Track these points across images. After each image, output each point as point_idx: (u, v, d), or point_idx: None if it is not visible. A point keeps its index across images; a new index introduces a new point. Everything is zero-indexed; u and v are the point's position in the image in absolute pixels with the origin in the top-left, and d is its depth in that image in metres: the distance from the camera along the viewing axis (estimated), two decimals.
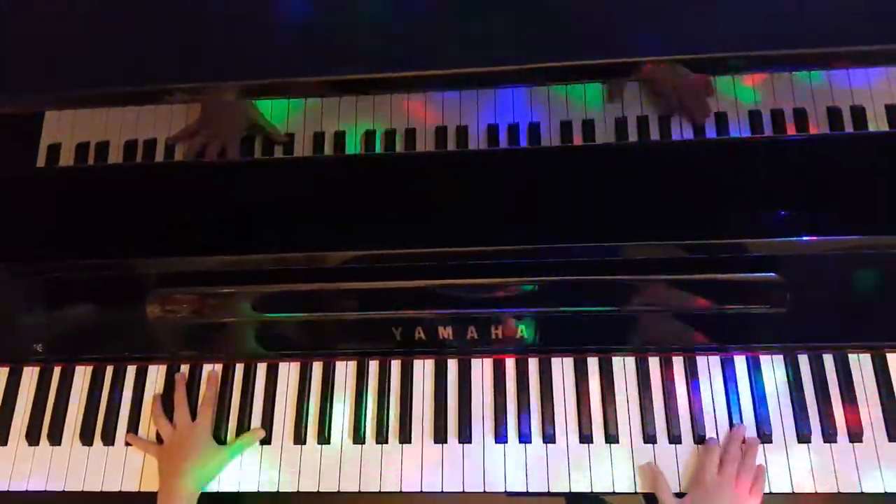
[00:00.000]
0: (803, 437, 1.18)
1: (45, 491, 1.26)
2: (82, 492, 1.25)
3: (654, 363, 1.24)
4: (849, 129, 1.26)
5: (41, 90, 1.21)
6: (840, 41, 1.06)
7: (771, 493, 1.16)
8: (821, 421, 1.18)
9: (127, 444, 1.27)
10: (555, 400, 1.23)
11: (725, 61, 1.10)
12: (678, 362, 1.24)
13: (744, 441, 1.18)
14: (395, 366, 1.27)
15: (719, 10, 1.09)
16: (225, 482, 1.23)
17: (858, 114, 1.27)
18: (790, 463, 1.17)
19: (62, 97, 1.29)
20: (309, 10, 1.14)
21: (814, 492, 1.15)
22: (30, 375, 1.33)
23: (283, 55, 1.17)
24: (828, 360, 1.22)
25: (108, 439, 1.27)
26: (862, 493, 1.15)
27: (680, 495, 1.16)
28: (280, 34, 1.13)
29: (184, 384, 1.28)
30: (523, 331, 1.23)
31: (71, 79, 1.19)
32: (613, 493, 1.18)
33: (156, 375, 1.31)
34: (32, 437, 1.28)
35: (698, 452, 1.18)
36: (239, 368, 1.30)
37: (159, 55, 1.15)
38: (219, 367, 1.30)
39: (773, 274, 1.18)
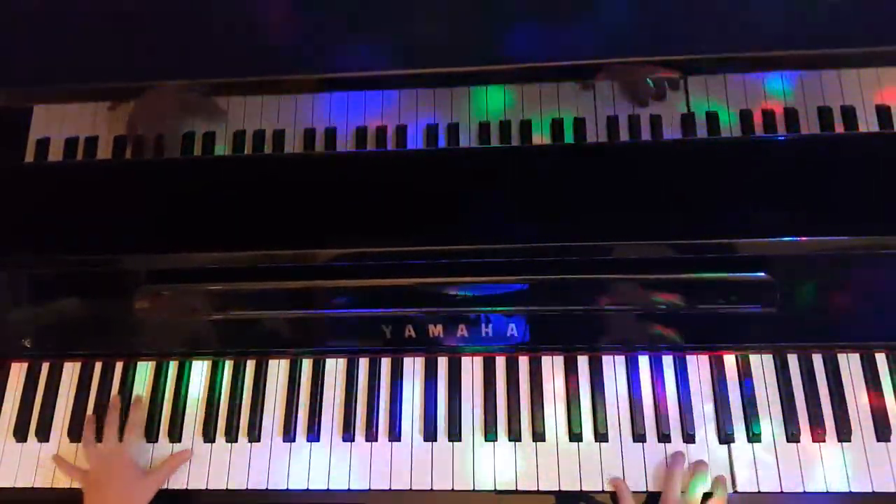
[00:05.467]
0: (792, 436, 1.18)
1: (34, 488, 1.25)
2: (70, 488, 1.24)
3: (643, 362, 1.24)
4: (839, 129, 1.26)
5: (31, 84, 1.20)
6: (828, 44, 1.07)
7: (760, 493, 1.16)
8: (810, 421, 1.19)
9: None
10: (545, 398, 1.23)
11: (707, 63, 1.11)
12: (668, 361, 1.24)
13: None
14: (385, 364, 1.27)
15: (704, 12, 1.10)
16: (213, 480, 1.22)
17: (849, 114, 1.27)
18: (779, 462, 1.17)
19: (51, 91, 1.28)
20: (305, 10, 1.14)
21: (802, 491, 1.16)
22: (18, 371, 1.32)
23: (273, 52, 1.17)
24: (817, 359, 1.22)
25: (97, 436, 1.26)
26: (850, 492, 1.15)
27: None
28: (269, 32, 1.13)
29: (118, 407, 1.25)
30: (513, 329, 1.23)
31: (60, 73, 1.18)
32: (602, 491, 1.18)
33: (145, 372, 1.30)
34: (20, 434, 1.28)
35: (664, 473, 1.17)
36: (228, 365, 1.29)
37: (150, 51, 1.15)
38: (208, 364, 1.30)
39: (763, 274, 1.18)
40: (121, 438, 1.23)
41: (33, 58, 1.19)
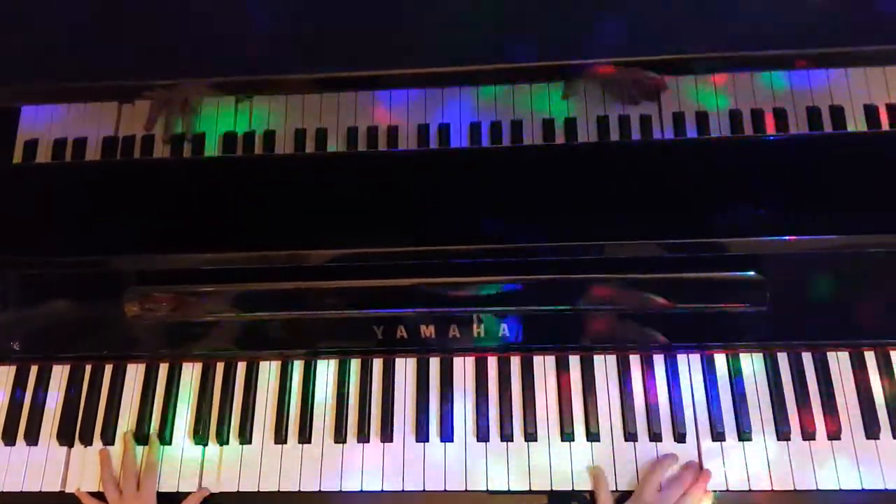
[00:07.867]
0: (783, 434, 1.18)
1: (22, 493, 1.24)
2: (60, 492, 1.24)
3: (635, 361, 1.24)
4: (828, 128, 1.27)
5: (19, 83, 1.20)
6: (814, 43, 1.08)
7: (751, 491, 1.17)
8: (800, 419, 1.19)
9: (106, 444, 1.25)
10: (536, 398, 1.23)
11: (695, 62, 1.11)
12: (659, 360, 1.24)
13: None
14: (377, 364, 1.27)
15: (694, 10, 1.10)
16: (205, 482, 1.22)
17: (837, 114, 1.28)
18: (769, 460, 1.17)
19: (39, 91, 1.27)
20: (286, 9, 1.14)
21: (793, 489, 1.16)
22: (6, 374, 1.31)
23: (263, 52, 1.17)
24: (807, 358, 1.23)
25: (86, 440, 1.26)
26: (840, 489, 1.16)
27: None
28: (258, 31, 1.12)
29: (133, 448, 1.24)
30: (505, 329, 1.23)
31: (49, 73, 1.18)
32: (594, 490, 1.18)
33: (134, 374, 1.29)
34: (8, 437, 1.27)
35: (647, 468, 1.18)
36: (219, 367, 1.29)
37: (138, 51, 1.14)
38: (198, 366, 1.29)
39: (753, 273, 1.19)
40: (139, 485, 1.21)
41: (20, 56, 1.19)
